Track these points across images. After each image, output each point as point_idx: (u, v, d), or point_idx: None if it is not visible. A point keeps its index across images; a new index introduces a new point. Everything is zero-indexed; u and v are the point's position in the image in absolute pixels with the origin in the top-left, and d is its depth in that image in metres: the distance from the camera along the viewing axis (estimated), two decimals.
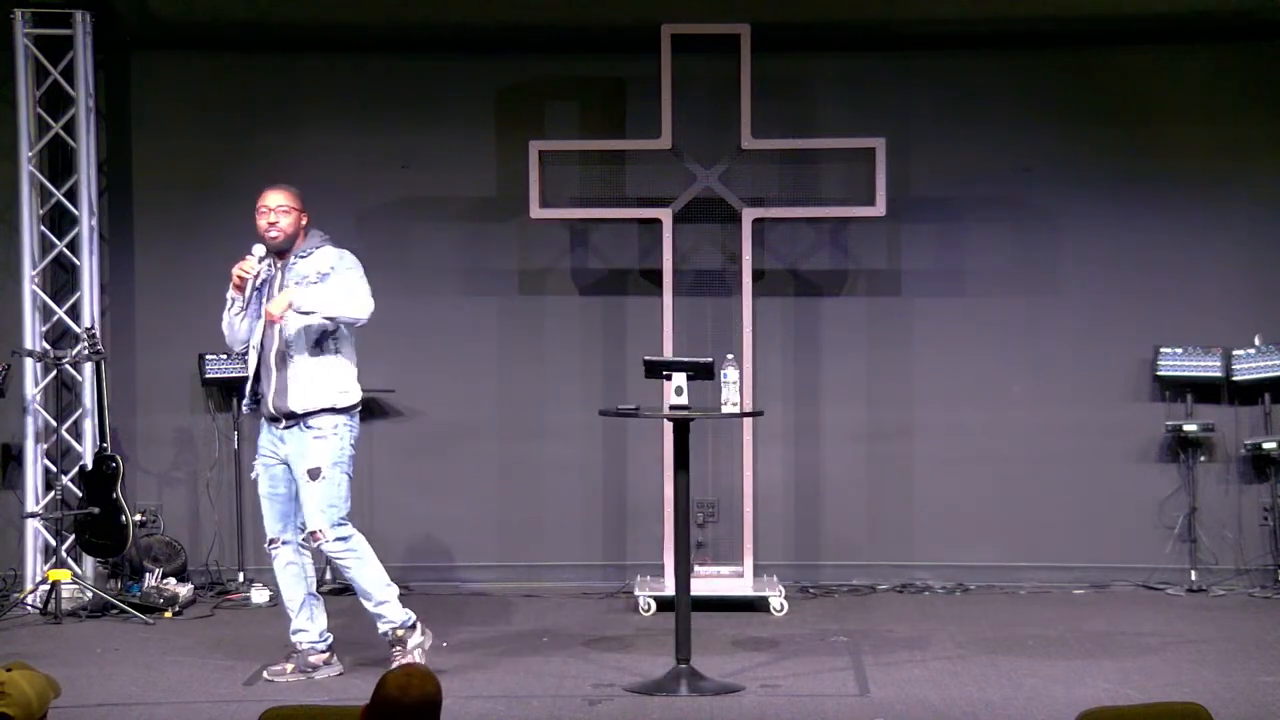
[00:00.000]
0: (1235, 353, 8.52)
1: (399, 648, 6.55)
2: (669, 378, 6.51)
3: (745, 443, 8.25)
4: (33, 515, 8.36)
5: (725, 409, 6.63)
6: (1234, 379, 8.55)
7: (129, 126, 8.83)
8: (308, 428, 6.51)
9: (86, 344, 8.18)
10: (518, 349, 8.82)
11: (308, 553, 6.69)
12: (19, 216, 8.48)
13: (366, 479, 8.82)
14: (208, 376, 8.65)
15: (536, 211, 8.20)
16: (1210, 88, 8.75)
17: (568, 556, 8.76)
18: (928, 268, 8.78)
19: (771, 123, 8.32)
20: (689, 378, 6.48)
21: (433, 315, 8.82)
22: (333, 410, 6.52)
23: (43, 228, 8.55)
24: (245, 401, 6.72)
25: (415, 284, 8.83)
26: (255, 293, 6.63)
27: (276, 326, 6.54)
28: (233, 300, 6.64)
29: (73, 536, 8.22)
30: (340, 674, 6.65)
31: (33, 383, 8.47)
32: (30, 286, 8.47)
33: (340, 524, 6.55)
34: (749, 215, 8.22)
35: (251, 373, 6.63)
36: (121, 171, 8.83)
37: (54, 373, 8.50)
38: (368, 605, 6.62)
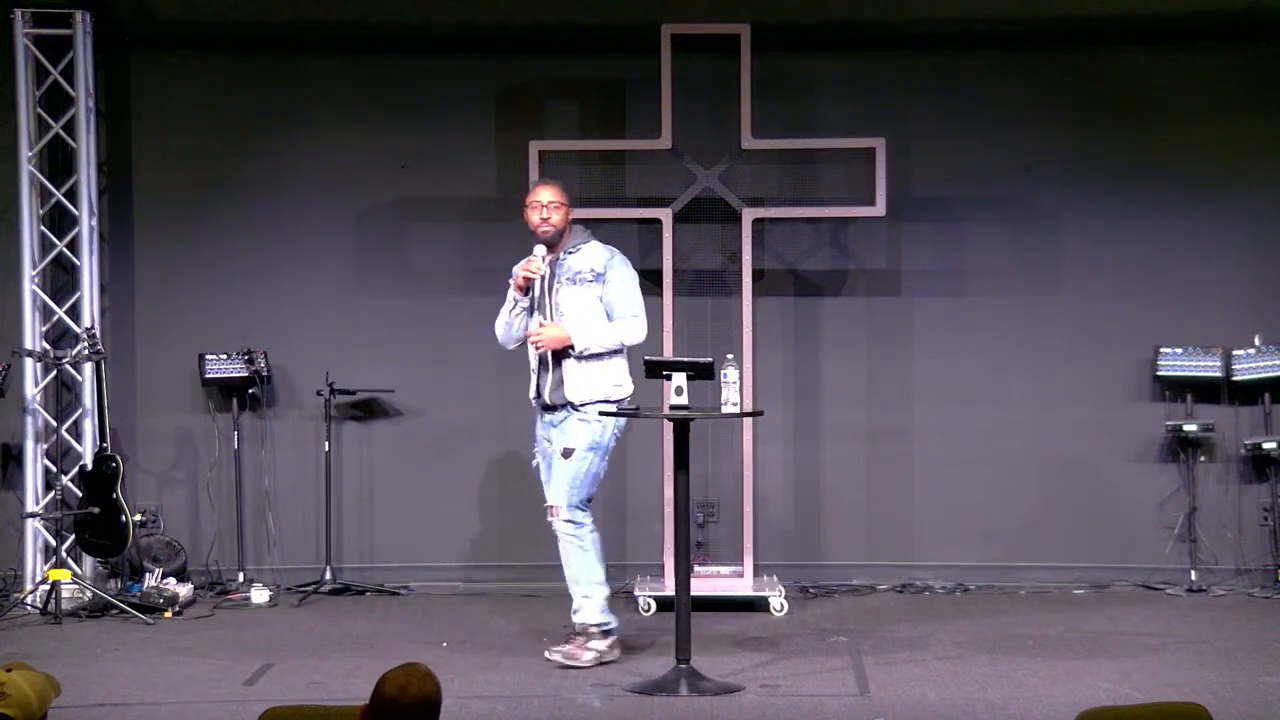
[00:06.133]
0: (1235, 353, 8.52)
1: (581, 638, 6.78)
2: (669, 378, 6.52)
3: (745, 443, 8.25)
4: (33, 515, 8.36)
5: (725, 409, 6.62)
6: (1234, 379, 8.55)
7: (129, 126, 8.83)
8: (575, 409, 6.73)
9: (86, 344, 8.18)
10: (518, 349, 8.78)
11: (594, 534, 6.90)
12: (19, 216, 8.48)
13: (367, 479, 8.83)
14: (208, 376, 8.65)
15: None
16: (1211, 88, 8.75)
17: None
18: (928, 268, 8.78)
19: (771, 123, 8.32)
20: (689, 378, 6.47)
21: (433, 315, 8.82)
22: (605, 401, 6.74)
23: (43, 228, 8.55)
24: (531, 394, 6.90)
25: (415, 284, 8.84)
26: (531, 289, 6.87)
27: (552, 322, 6.76)
28: (515, 301, 6.84)
29: (73, 536, 8.22)
30: (615, 660, 6.78)
31: (33, 383, 8.47)
32: (30, 286, 8.47)
33: (578, 507, 6.77)
34: (749, 215, 8.22)
35: (534, 367, 6.84)
36: (121, 171, 8.83)
37: (54, 373, 8.50)
38: (574, 591, 6.84)
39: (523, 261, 6.83)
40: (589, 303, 6.79)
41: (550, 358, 6.78)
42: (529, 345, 6.87)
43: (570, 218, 6.89)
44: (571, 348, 6.73)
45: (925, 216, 8.71)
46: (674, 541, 6.80)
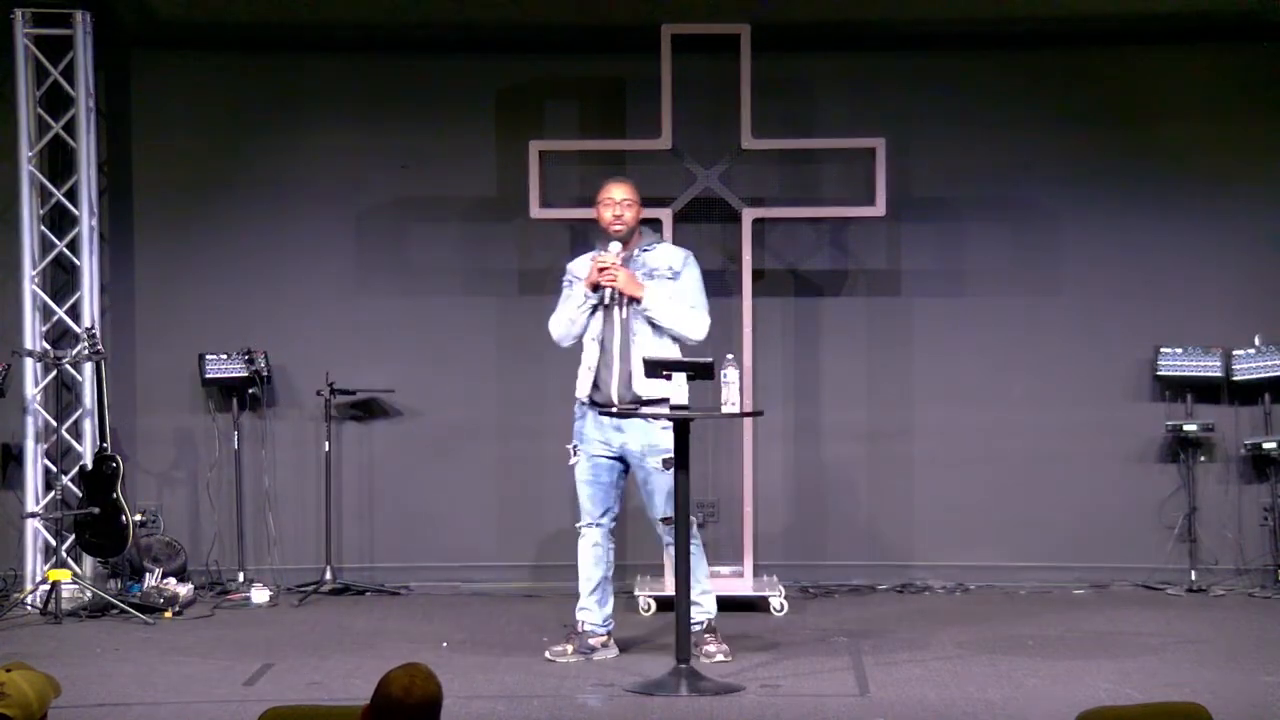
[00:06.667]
0: (1235, 353, 8.52)
1: (711, 634, 6.88)
2: (669, 378, 6.51)
3: (745, 443, 8.25)
4: (33, 515, 8.36)
5: (725, 409, 6.63)
6: (1234, 379, 8.55)
7: (129, 126, 8.83)
8: (654, 419, 6.71)
9: (86, 344, 8.18)
10: (518, 349, 8.81)
11: (613, 540, 6.97)
12: (19, 216, 8.49)
13: (367, 479, 8.83)
14: (208, 376, 8.65)
15: (536, 211, 8.20)
16: (1211, 88, 8.75)
17: (568, 556, 8.66)
18: (928, 268, 8.78)
19: (771, 123, 8.32)
20: (689, 378, 6.48)
21: (433, 315, 8.82)
22: (663, 401, 6.70)
23: (43, 228, 8.55)
24: (586, 391, 6.86)
25: (415, 284, 8.84)
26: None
27: (617, 319, 6.78)
28: (586, 296, 6.83)
29: (73, 536, 8.22)
30: (616, 657, 6.88)
31: (33, 383, 8.47)
32: (30, 286, 8.47)
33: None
34: (749, 215, 8.22)
35: (592, 365, 6.83)
36: (121, 171, 8.83)
37: (54, 373, 8.50)
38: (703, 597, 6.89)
39: (590, 256, 6.86)
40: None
41: (616, 351, 6.77)
42: (585, 340, 6.85)
43: (641, 215, 6.94)
44: (638, 300, 6.73)
45: (925, 216, 8.71)
46: (674, 541, 6.79)
